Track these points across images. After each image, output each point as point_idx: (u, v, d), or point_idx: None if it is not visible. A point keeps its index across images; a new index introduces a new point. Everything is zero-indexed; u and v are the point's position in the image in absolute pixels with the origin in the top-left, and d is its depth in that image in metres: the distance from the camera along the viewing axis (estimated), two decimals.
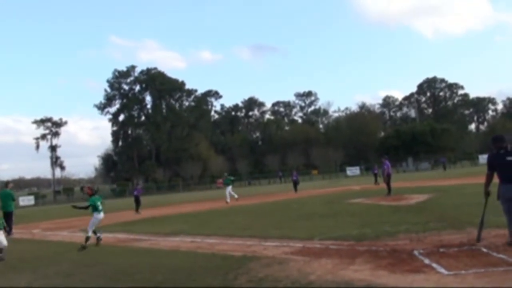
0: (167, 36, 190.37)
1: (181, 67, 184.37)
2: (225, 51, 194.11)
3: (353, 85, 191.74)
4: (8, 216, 18.23)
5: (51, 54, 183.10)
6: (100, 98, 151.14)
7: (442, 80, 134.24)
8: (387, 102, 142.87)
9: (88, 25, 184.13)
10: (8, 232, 16.39)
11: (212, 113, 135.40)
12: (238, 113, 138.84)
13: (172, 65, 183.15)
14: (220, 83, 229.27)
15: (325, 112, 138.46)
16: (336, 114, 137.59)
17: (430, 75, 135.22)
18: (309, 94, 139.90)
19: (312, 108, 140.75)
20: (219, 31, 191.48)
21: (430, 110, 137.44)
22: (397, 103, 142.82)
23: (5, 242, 13.19)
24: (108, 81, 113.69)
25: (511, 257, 7.41)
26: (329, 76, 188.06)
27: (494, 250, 8.09)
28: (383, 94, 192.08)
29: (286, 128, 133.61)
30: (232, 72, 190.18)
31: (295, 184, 37.74)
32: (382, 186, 27.08)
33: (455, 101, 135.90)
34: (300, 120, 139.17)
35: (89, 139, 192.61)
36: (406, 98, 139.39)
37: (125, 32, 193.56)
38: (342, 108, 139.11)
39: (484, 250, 8.19)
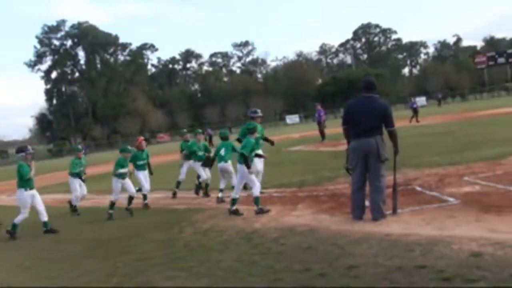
0: None
1: (108, 22, 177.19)
2: (148, 3, 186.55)
3: (289, 34, 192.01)
4: None
5: None
6: (21, 55, 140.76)
7: (377, 26, 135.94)
8: (324, 49, 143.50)
9: None
10: None
11: (149, 66, 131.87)
12: (176, 66, 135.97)
13: (98, 20, 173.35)
14: (152, 36, 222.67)
15: (263, 61, 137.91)
16: (274, 64, 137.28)
17: (365, 21, 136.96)
18: (246, 44, 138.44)
19: (250, 58, 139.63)
20: None
21: (366, 56, 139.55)
22: (333, 50, 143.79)
23: None
24: (37, 37, 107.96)
25: (443, 194, 7.84)
26: (264, 26, 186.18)
27: (427, 188, 8.54)
28: (319, 42, 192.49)
29: (225, 79, 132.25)
30: (162, 25, 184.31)
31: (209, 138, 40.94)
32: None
33: (389, 46, 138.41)
34: (238, 71, 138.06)
35: (17, 99, 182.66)
36: (342, 45, 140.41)
37: None
38: (279, 57, 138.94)
39: (419, 189, 8.63)
